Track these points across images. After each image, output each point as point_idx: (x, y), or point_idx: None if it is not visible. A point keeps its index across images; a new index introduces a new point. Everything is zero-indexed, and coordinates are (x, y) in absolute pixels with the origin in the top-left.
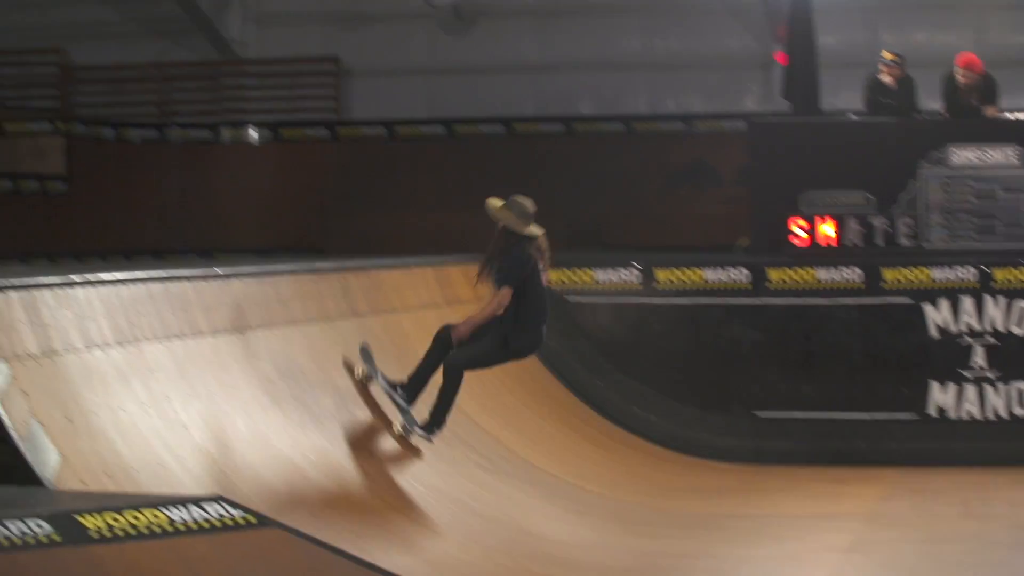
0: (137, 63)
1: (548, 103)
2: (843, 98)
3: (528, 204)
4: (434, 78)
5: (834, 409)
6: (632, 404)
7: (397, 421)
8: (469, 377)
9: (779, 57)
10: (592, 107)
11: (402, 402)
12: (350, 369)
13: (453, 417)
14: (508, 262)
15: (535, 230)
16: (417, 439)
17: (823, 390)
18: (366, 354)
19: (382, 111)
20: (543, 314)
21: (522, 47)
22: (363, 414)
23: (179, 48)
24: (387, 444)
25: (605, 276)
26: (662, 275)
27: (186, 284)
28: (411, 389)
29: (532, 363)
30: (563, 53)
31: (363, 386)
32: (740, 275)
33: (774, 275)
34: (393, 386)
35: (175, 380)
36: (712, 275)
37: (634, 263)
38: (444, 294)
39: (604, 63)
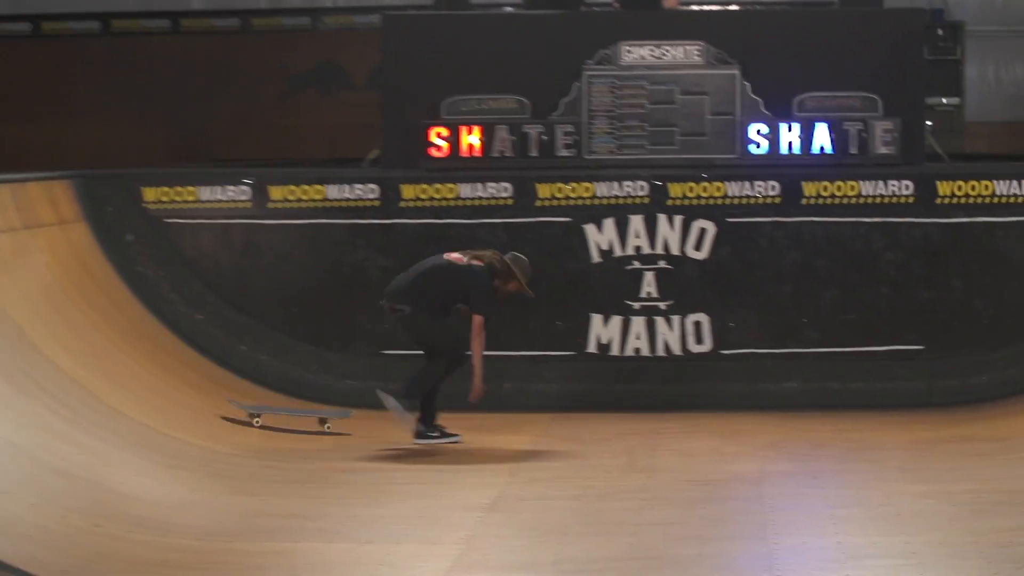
0: None
1: None
2: None
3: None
4: None
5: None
6: (239, 342)
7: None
8: (48, 311)
9: None
10: (204, 0)
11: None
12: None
13: (27, 357)
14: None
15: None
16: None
17: (463, 323)
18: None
19: None
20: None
21: None
22: None
23: None
24: None
25: (211, 194)
26: (277, 192)
27: None
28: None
29: (122, 294)
30: None
31: None
32: (368, 192)
33: (408, 191)
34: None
35: None
36: (336, 192)
37: (245, 179)
38: (22, 217)
39: None
